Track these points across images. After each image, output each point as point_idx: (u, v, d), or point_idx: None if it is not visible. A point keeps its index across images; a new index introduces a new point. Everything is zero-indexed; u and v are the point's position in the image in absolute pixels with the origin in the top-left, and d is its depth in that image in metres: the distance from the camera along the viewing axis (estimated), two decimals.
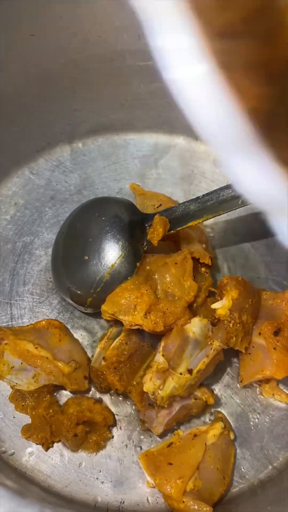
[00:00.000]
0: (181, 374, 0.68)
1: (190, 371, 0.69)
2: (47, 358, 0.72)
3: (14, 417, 0.75)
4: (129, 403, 0.76)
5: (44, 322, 0.78)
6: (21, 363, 0.72)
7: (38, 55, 0.79)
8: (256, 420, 0.76)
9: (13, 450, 0.74)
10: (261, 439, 0.75)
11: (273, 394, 0.77)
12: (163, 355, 0.69)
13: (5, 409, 0.76)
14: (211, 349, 0.70)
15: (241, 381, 0.75)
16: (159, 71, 0.86)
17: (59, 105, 0.88)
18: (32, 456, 0.73)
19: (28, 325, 0.79)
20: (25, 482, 0.70)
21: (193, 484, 0.65)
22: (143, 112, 0.92)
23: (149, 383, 0.68)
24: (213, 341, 0.71)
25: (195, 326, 0.70)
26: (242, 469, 0.73)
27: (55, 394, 0.76)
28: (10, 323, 0.81)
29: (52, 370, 0.72)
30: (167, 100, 0.90)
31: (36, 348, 0.72)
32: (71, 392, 0.76)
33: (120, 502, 0.71)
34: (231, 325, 0.70)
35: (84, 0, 0.74)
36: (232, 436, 0.73)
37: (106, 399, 0.76)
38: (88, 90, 0.87)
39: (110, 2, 0.75)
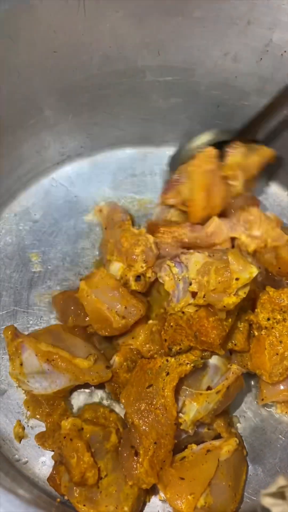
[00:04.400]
0: (201, 394, 0.68)
1: (209, 388, 0.69)
2: (67, 357, 0.73)
3: (28, 425, 0.77)
4: None
5: (57, 324, 0.80)
6: (41, 366, 0.73)
7: (60, 71, 0.81)
8: (270, 436, 0.76)
9: (26, 459, 0.75)
10: (274, 456, 0.75)
11: (286, 412, 0.76)
12: None
13: (20, 416, 0.77)
14: (231, 372, 0.70)
15: (262, 399, 0.75)
16: (178, 87, 0.88)
17: (79, 119, 0.90)
18: (44, 465, 0.74)
19: (42, 328, 0.80)
20: (38, 492, 0.71)
21: (204, 501, 0.65)
22: (162, 126, 0.93)
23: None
24: (231, 364, 0.71)
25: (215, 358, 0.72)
26: (254, 486, 0.73)
27: (69, 400, 0.78)
28: (27, 331, 0.82)
29: (74, 371, 0.72)
30: (185, 115, 0.91)
31: (54, 348, 0.74)
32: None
33: None
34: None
35: (105, 17, 0.76)
36: (244, 453, 0.73)
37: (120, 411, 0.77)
38: (108, 105, 0.89)
39: (131, 19, 0.76)
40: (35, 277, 0.86)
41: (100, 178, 0.94)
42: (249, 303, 0.74)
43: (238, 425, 0.76)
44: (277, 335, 0.71)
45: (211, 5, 0.74)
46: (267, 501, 0.57)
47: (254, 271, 0.67)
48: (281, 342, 0.71)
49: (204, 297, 0.68)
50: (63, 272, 0.86)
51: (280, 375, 0.71)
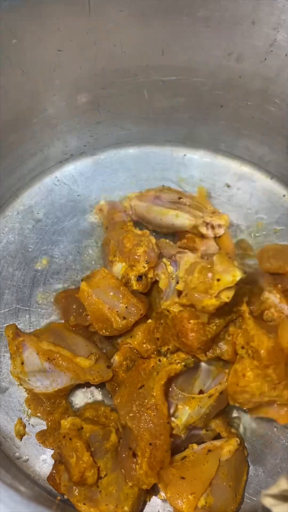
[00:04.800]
0: (193, 397, 0.68)
1: (201, 392, 0.69)
2: (68, 356, 0.73)
3: (29, 423, 0.77)
4: None
5: (59, 322, 0.81)
6: (42, 365, 0.73)
7: (64, 69, 0.81)
8: (270, 437, 0.76)
9: (27, 457, 0.75)
10: (275, 457, 0.74)
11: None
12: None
13: (21, 414, 0.77)
14: (224, 378, 0.70)
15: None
16: (182, 86, 0.88)
17: (82, 118, 0.90)
18: (45, 463, 0.74)
19: (43, 327, 0.81)
20: (38, 489, 0.71)
21: (205, 501, 0.65)
22: (165, 126, 0.93)
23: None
24: (226, 370, 0.71)
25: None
26: (255, 486, 0.73)
27: (70, 399, 0.78)
28: (28, 330, 0.82)
29: (75, 369, 0.72)
30: (188, 115, 0.91)
31: (55, 347, 0.74)
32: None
33: None
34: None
35: (109, 17, 0.76)
36: (245, 453, 0.73)
37: None
38: (111, 104, 0.89)
39: (135, 18, 0.76)
40: (37, 275, 0.86)
41: (103, 177, 0.94)
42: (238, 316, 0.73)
43: (239, 425, 0.76)
44: (241, 367, 0.68)
45: (215, 5, 0.74)
46: (268, 502, 0.57)
47: (237, 274, 0.64)
48: (243, 375, 0.67)
49: (186, 295, 0.67)
50: (66, 271, 0.86)
51: (242, 405, 0.69)
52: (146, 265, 0.75)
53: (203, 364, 0.71)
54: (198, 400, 0.68)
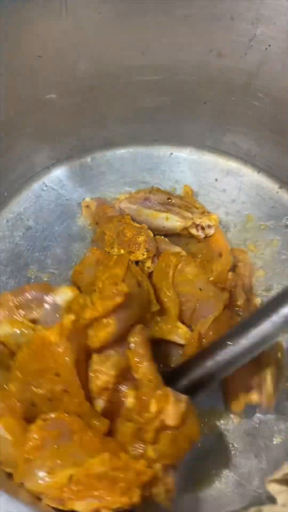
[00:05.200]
0: (22, 321, 0.62)
1: (34, 321, 0.63)
2: None
3: None
4: None
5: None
6: None
7: (45, 75, 0.80)
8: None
9: None
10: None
11: None
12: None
13: None
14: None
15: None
16: (165, 85, 0.88)
17: (67, 122, 0.90)
18: None
19: None
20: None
21: None
22: (151, 125, 0.93)
23: None
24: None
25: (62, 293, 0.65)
26: (261, 479, 0.73)
27: None
28: None
29: None
30: (173, 113, 0.91)
31: None
32: None
33: None
34: None
35: (88, 19, 0.75)
36: None
37: None
38: (95, 107, 0.89)
39: (114, 19, 0.76)
40: (31, 282, 0.86)
41: (91, 180, 0.94)
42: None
43: (235, 421, 0.76)
44: None
45: (193, 3, 0.74)
46: (272, 488, 0.57)
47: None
48: None
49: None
50: (59, 276, 0.86)
51: None
52: (145, 253, 0.76)
53: (58, 298, 0.64)
54: (24, 326, 0.62)
